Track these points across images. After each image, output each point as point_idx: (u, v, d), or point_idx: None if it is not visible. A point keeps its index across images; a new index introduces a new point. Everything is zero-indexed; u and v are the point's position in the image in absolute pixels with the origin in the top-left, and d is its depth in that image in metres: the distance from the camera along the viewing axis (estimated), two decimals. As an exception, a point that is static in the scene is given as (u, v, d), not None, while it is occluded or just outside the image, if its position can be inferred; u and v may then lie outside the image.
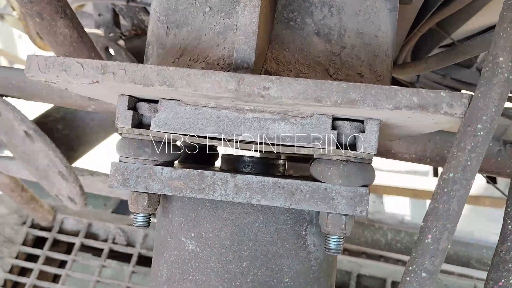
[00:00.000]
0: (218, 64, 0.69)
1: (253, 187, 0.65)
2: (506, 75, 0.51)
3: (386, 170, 3.80)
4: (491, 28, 1.40)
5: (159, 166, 0.68)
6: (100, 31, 1.91)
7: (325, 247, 0.68)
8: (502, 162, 1.11)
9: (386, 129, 0.75)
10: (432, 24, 1.17)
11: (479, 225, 3.90)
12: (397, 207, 4.25)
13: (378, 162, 4.01)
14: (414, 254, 0.54)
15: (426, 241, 0.52)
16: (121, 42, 1.88)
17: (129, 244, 2.51)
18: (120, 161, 0.69)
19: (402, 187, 4.06)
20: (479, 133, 0.50)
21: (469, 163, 0.50)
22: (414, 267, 0.52)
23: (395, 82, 1.87)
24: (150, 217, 0.73)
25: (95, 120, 1.54)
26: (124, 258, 2.49)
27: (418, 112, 0.54)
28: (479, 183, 3.87)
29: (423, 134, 1.17)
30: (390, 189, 4.04)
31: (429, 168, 4.17)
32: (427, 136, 1.18)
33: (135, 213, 0.71)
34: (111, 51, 1.63)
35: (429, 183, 3.85)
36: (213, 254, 0.71)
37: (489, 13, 1.17)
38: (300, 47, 0.75)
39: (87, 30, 1.30)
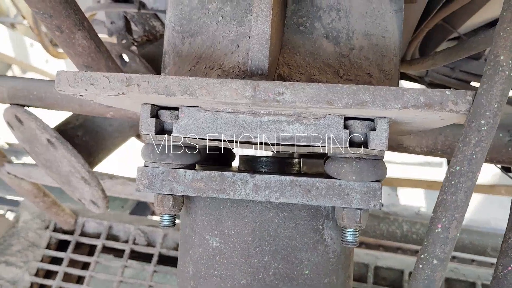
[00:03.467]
0: (233, 71, 0.73)
1: (271, 186, 0.69)
2: (507, 72, 0.54)
3: (400, 163, 3.81)
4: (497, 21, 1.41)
5: (182, 169, 0.72)
6: (113, 39, 1.96)
7: (342, 240, 0.72)
8: (512, 152, 1.13)
9: (396, 126, 0.79)
10: (439, 19, 1.20)
11: (495, 214, 3.89)
12: (412, 199, 4.26)
13: (391, 155, 4.03)
14: (425, 243, 0.58)
15: (436, 230, 0.55)
16: (134, 48, 1.93)
17: (149, 244, 2.57)
18: (145, 165, 0.73)
19: (416, 179, 4.07)
20: (483, 128, 0.54)
21: (474, 156, 0.54)
22: (426, 255, 0.55)
23: (405, 76, 1.89)
24: (175, 217, 0.77)
25: (113, 126, 1.59)
26: (145, 258, 2.55)
27: (424, 111, 0.57)
28: (494, 172, 3.86)
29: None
30: (404, 181, 4.05)
31: (443, 160, 4.17)
32: (437, 130, 1.21)
33: (161, 214, 0.76)
34: (125, 57, 1.67)
35: (443, 174, 3.84)
36: (236, 250, 0.75)
37: (494, 6, 1.19)
38: (310, 51, 0.79)
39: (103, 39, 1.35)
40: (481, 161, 0.54)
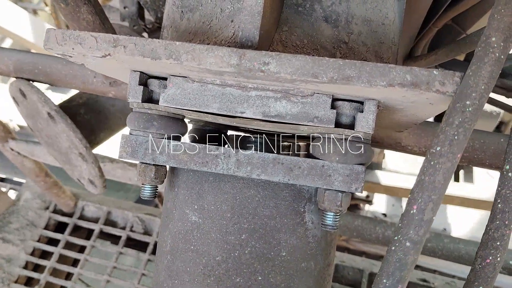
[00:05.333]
0: (224, 43, 0.72)
1: (253, 162, 0.68)
2: (497, 54, 0.53)
3: (406, 173, 3.77)
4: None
5: (166, 140, 0.71)
6: (124, 23, 1.97)
7: (321, 224, 0.71)
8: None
9: (388, 115, 0.77)
10: (447, 19, 1.18)
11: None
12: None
13: (399, 165, 3.99)
14: (400, 225, 0.56)
15: (412, 211, 0.53)
16: (145, 35, 1.94)
17: (146, 232, 2.57)
18: (130, 133, 0.73)
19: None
20: (467, 109, 0.52)
21: (456, 137, 0.52)
22: (399, 236, 0.54)
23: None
24: (157, 189, 0.76)
25: (116, 106, 1.60)
26: (141, 246, 2.56)
27: (411, 90, 0.56)
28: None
29: (433, 127, 1.18)
30: (409, 192, 4.00)
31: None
32: (436, 129, 1.19)
33: (142, 184, 0.75)
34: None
35: (450, 187, 3.79)
36: (214, 225, 0.74)
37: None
38: (308, 32, 0.78)
39: (112, 22, 1.35)
40: (463, 143, 0.52)
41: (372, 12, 0.80)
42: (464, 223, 4.10)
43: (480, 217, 4.08)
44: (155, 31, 1.90)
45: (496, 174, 3.60)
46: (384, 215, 4.06)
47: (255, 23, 0.64)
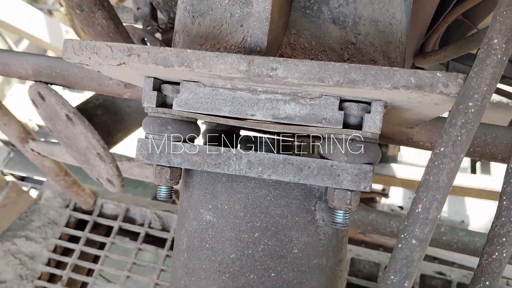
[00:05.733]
0: (234, 48, 0.75)
1: (264, 163, 0.71)
2: (499, 56, 0.54)
3: (422, 166, 3.75)
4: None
5: (180, 142, 0.74)
6: (138, 25, 2.01)
7: (332, 222, 0.73)
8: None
9: (396, 113, 0.79)
10: (458, 14, 1.18)
11: None
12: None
13: (415, 158, 3.98)
14: (406, 223, 0.58)
15: (417, 210, 0.55)
16: (158, 35, 1.97)
17: (164, 229, 2.62)
18: (145, 137, 0.76)
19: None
20: (470, 111, 0.53)
21: (459, 138, 0.54)
22: (405, 234, 0.56)
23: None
24: (172, 190, 0.79)
25: (132, 107, 1.63)
26: (159, 242, 2.60)
27: (415, 92, 0.57)
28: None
29: (444, 122, 1.18)
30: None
31: (467, 165, 4.09)
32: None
33: (158, 185, 0.78)
34: (147, 42, 1.71)
35: (466, 179, 3.77)
36: (228, 224, 0.77)
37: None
38: (316, 34, 0.80)
39: (126, 24, 1.38)
40: (466, 143, 0.54)
41: (379, 12, 0.81)
42: (482, 215, 4.07)
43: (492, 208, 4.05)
44: (168, 31, 1.93)
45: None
46: (401, 208, 4.05)
47: (263, 28, 0.67)
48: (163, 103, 0.75)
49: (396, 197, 4.19)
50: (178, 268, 0.84)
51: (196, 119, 0.78)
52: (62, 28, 5.23)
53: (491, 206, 4.10)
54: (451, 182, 0.55)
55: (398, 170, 3.54)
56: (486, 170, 3.80)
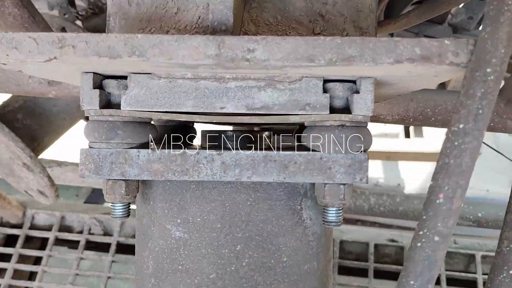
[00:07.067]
0: (190, 30, 0.62)
1: (242, 163, 0.60)
2: (515, 13, 0.46)
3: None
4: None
5: (135, 149, 0.61)
6: (54, 13, 1.78)
7: (323, 220, 0.64)
8: None
9: (376, 90, 0.70)
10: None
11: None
12: (370, 170, 4.28)
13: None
14: (424, 217, 0.49)
15: (438, 201, 0.47)
16: (79, 23, 1.76)
17: (106, 233, 2.43)
18: (90, 147, 0.62)
19: (374, 151, 4.09)
20: (489, 78, 0.46)
21: (480, 111, 0.46)
22: (425, 231, 0.47)
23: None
24: (130, 206, 0.66)
25: (58, 106, 1.44)
26: (102, 248, 2.42)
27: (421, 65, 0.48)
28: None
29: (404, 94, 1.13)
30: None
31: (400, 130, 4.20)
32: (408, 96, 1.14)
33: (112, 203, 0.65)
34: (68, 32, 1.51)
35: (401, 144, 3.88)
36: (203, 239, 0.65)
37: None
38: (279, 7, 0.69)
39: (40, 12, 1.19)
40: (488, 116, 0.46)
41: None
42: (416, 177, 4.23)
43: (431, 168, 4.21)
44: (89, 17, 1.73)
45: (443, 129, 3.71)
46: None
47: (227, 2, 0.54)
48: (107, 103, 0.61)
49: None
50: (145, 295, 0.71)
51: (151, 119, 0.65)
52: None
53: (425, 167, 4.27)
54: (474, 164, 0.47)
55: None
56: (419, 133, 3.93)
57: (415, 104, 1.14)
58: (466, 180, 0.47)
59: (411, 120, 1.15)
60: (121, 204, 0.65)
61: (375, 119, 1.17)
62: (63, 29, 1.48)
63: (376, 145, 4.09)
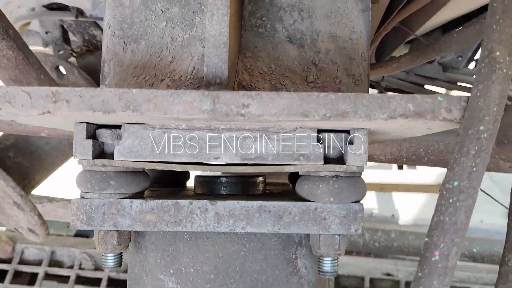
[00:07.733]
0: (185, 80, 0.63)
1: (236, 214, 0.59)
2: (504, 70, 0.47)
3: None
4: (453, 21, 1.39)
5: (128, 200, 0.60)
6: (48, 50, 1.79)
7: (318, 270, 0.63)
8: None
9: (369, 136, 0.71)
10: (397, 22, 1.15)
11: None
12: (365, 201, 4.27)
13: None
14: (420, 274, 0.49)
15: (433, 258, 0.47)
16: (73, 60, 1.77)
17: (97, 268, 2.39)
18: (82, 197, 0.61)
19: (367, 182, 4.09)
20: (482, 136, 0.46)
21: (474, 169, 0.46)
22: None
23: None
24: (122, 256, 0.65)
25: (50, 144, 1.43)
26: (93, 282, 2.37)
27: (414, 120, 0.49)
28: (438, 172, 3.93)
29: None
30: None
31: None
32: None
33: (104, 253, 0.63)
34: (62, 70, 1.52)
35: (394, 175, 3.89)
36: None
37: (452, 7, 1.15)
38: (273, 56, 0.70)
39: (34, 49, 1.20)
40: (482, 174, 0.47)
41: (338, 26, 0.73)
42: (410, 208, 4.22)
43: (424, 199, 4.21)
44: (84, 54, 1.74)
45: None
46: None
47: (221, 56, 0.55)
48: (101, 153, 0.61)
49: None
50: None
51: (144, 168, 0.65)
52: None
53: (418, 198, 4.27)
54: (469, 221, 0.47)
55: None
56: (412, 165, 3.94)
57: (408, 145, 1.14)
58: (461, 237, 0.47)
59: (404, 159, 1.16)
60: (113, 255, 0.64)
61: (369, 158, 1.17)
62: (57, 68, 1.49)
63: (370, 176, 4.10)
